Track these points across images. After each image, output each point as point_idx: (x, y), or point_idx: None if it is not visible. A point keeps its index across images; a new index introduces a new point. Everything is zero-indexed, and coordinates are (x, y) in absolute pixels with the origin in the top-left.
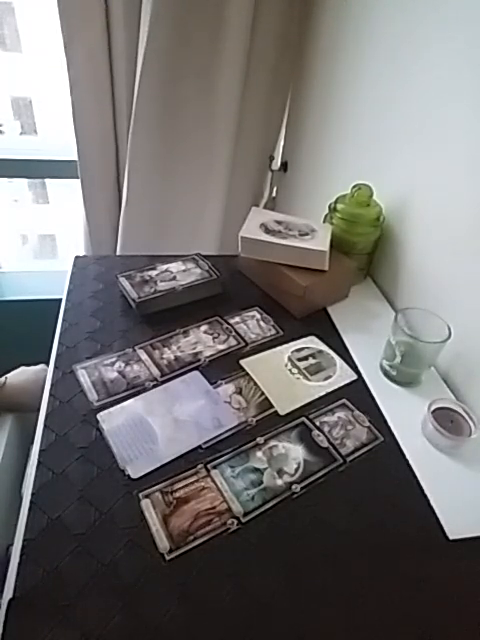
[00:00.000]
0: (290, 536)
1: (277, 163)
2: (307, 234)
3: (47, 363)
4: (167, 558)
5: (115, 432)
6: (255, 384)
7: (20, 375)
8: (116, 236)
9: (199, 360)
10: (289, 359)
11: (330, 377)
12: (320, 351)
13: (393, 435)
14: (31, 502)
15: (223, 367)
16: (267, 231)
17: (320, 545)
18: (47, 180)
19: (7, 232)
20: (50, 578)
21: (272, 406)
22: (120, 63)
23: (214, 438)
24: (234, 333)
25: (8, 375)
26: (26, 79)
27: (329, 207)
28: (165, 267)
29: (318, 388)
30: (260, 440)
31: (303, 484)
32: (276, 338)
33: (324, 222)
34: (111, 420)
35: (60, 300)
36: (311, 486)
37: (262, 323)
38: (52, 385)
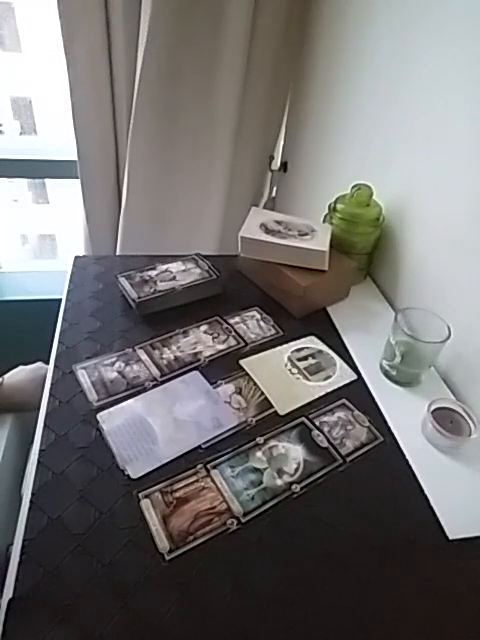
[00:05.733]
0: (290, 536)
1: (277, 163)
2: (307, 234)
3: (46, 363)
4: (167, 558)
5: (115, 432)
6: (255, 384)
7: (17, 375)
8: (116, 236)
9: (199, 360)
10: (289, 359)
11: (330, 377)
12: (320, 351)
13: (393, 435)
14: (31, 502)
15: (223, 367)
16: (267, 231)
17: (320, 545)
18: (47, 180)
19: (7, 232)
20: (50, 578)
21: (272, 406)
22: (120, 63)
23: (214, 438)
24: (234, 333)
25: (5, 376)
26: (26, 79)
27: (329, 207)
28: (165, 267)
29: (318, 388)
30: (260, 440)
31: (303, 484)
32: (276, 338)
33: (324, 222)
34: (111, 420)
35: (60, 300)
36: (311, 486)
37: (262, 323)
38: (52, 385)
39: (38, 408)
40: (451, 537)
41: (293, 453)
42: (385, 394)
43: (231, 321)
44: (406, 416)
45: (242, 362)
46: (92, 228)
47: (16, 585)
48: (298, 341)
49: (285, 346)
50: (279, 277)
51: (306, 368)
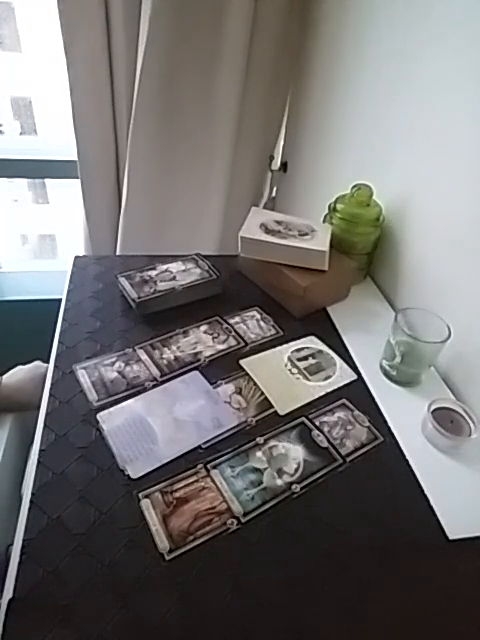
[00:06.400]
0: (290, 536)
1: (277, 163)
2: (307, 234)
3: (46, 362)
4: (167, 558)
5: (115, 432)
6: (255, 384)
7: (16, 374)
8: (116, 236)
9: (199, 360)
10: (289, 359)
11: (330, 377)
12: (320, 351)
13: (393, 435)
14: (31, 502)
15: (223, 367)
16: (267, 231)
17: (320, 545)
18: (47, 180)
19: (7, 232)
20: (50, 578)
21: (272, 406)
22: (120, 63)
23: (214, 438)
24: (234, 333)
25: (4, 376)
26: (26, 79)
27: (329, 207)
28: (165, 267)
29: (318, 388)
30: (260, 440)
31: (303, 484)
32: (276, 338)
33: (324, 222)
34: (111, 420)
35: (60, 300)
36: (311, 486)
37: (262, 323)
38: (52, 385)
39: (38, 407)
40: (451, 537)
41: (293, 453)
42: (385, 394)
43: (231, 321)
44: (406, 416)
45: (242, 362)
46: (92, 228)
47: (16, 585)
48: (298, 341)
49: (285, 346)
50: (279, 277)
51: (306, 368)
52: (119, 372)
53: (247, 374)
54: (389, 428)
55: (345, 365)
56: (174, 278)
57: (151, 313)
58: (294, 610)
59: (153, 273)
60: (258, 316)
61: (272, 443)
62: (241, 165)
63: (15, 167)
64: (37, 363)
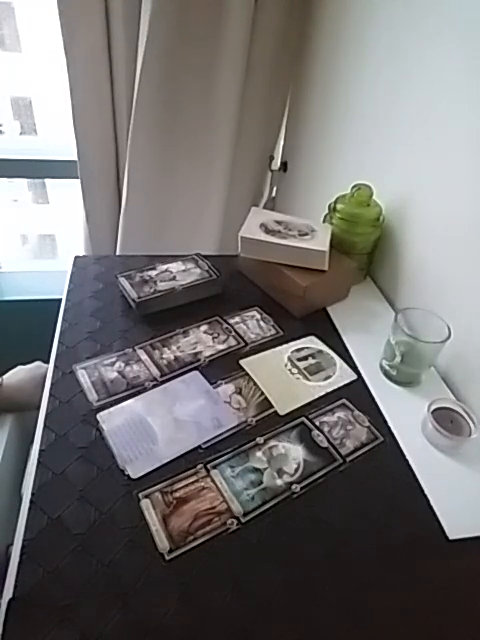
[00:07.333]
0: (290, 536)
1: (277, 163)
2: (307, 234)
3: (46, 362)
4: (167, 558)
5: (115, 432)
6: (255, 384)
7: (16, 374)
8: (116, 236)
9: (199, 360)
10: (289, 359)
11: (330, 377)
12: (320, 351)
13: (393, 435)
14: (31, 502)
15: (223, 367)
16: (267, 231)
17: (320, 545)
18: (47, 180)
19: (7, 232)
20: (50, 578)
21: (272, 406)
22: (120, 63)
23: (214, 438)
24: (234, 333)
25: (5, 376)
26: (26, 79)
27: (329, 207)
28: (165, 267)
29: (318, 388)
30: (260, 440)
31: (303, 484)
32: (276, 338)
33: (324, 222)
34: (111, 420)
35: (60, 300)
36: (311, 486)
37: (262, 323)
38: (52, 385)
39: (38, 407)
40: (451, 537)
41: (293, 453)
42: (385, 394)
43: (231, 321)
44: (406, 416)
45: (242, 362)
46: (92, 228)
47: (16, 585)
48: (298, 341)
49: (285, 346)
50: (279, 277)
51: (306, 368)
52: (119, 372)
53: (247, 374)
54: (389, 428)
55: (345, 365)
56: (174, 278)
57: (151, 313)
58: (294, 610)
59: (153, 273)
60: (258, 316)
61: (272, 443)
62: (241, 165)
63: (15, 167)
64: (37, 363)
